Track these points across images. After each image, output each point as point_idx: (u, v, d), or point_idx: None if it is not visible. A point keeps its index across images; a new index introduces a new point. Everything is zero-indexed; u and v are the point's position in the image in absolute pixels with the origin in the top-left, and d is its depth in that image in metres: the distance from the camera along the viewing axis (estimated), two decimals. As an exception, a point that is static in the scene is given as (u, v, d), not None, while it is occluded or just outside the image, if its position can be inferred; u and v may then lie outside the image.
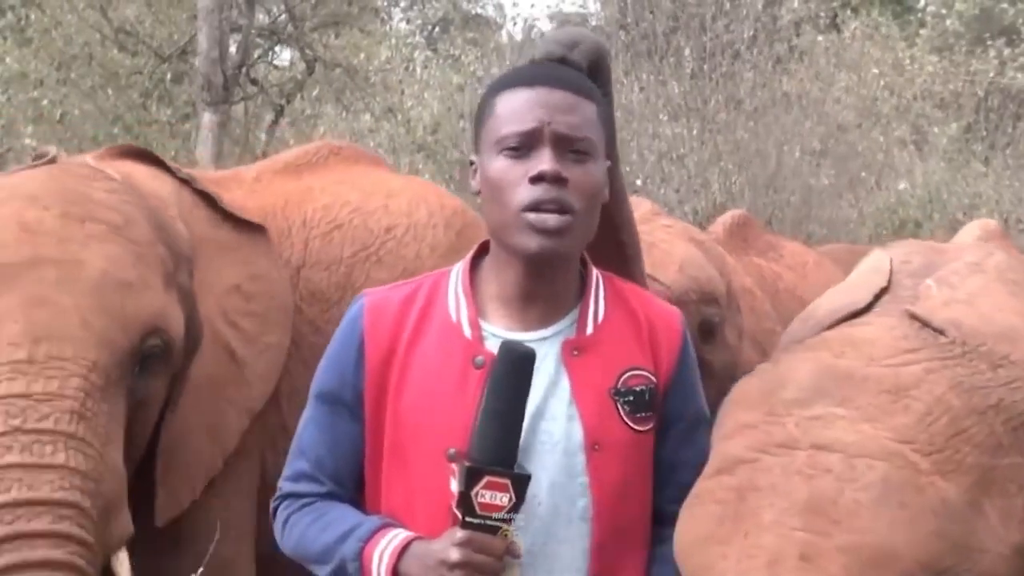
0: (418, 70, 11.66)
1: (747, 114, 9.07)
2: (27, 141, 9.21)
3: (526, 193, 1.72)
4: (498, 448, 1.67)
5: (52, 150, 2.51)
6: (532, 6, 19.43)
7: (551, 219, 1.72)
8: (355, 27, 11.83)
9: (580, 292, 1.86)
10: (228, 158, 9.19)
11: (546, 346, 1.79)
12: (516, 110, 1.76)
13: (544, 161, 1.72)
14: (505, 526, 1.66)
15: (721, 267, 3.34)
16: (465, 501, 1.65)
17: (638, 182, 8.67)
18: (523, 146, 1.74)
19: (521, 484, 1.66)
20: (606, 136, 1.82)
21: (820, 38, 10.63)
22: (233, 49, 9.65)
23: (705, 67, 9.25)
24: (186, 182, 2.71)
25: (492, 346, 1.77)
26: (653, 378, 1.82)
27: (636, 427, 1.80)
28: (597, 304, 1.85)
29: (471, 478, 1.65)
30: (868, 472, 1.62)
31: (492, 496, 1.65)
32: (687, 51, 9.32)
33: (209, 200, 2.71)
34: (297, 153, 3.29)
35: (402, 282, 1.95)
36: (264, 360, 2.71)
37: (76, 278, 2.16)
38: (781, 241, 4.54)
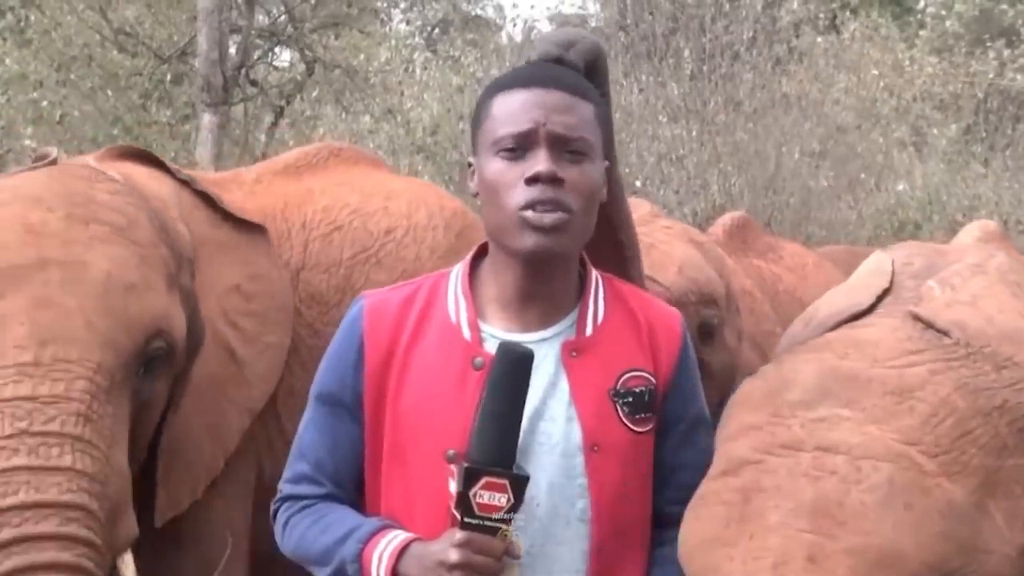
0: (418, 71, 11.67)
1: (746, 115, 9.08)
2: (27, 142, 9.21)
3: (523, 194, 1.73)
4: (496, 449, 1.67)
5: (53, 151, 2.51)
6: (532, 7, 19.42)
7: (547, 217, 1.71)
8: (355, 28, 11.83)
9: (580, 293, 1.86)
10: (228, 159, 9.18)
11: (545, 347, 1.79)
12: (512, 111, 1.76)
13: (540, 162, 1.72)
14: (504, 527, 1.66)
15: (720, 269, 3.34)
16: (463, 502, 1.65)
17: (637, 183, 8.68)
18: (519, 147, 1.74)
19: (519, 485, 1.66)
20: (603, 136, 1.82)
21: (819, 39, 10.64)
22: (233, 50, 9.64)
23: (704, 68, 9.26)
24: (186, 183, 2.71)
25: (491, 347, 1.76)
26: (653, 379, 1.82)
27: (635, 428, 1.80)
28: (597, 305, 1.85)
29: (469, 479, 1.65)
30: (874, 474, 1.62)
31: (490, 497, 1.65)
32: (686, 52, 9.34)
33: (209, 200, 2.71)
34: (297, 155, 3.28)
35: (401, 284, 1.95)
36: (264, 360, 2.71)
37: (81, 280, 2.16)
38: (781, 243, 4.53)
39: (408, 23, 18.58)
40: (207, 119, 8.68)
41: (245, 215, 2.78)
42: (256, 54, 10.89)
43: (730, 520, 1.67)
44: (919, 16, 15.19)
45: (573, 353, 1.80)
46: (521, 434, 1.70)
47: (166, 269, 2.34)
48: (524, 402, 1.69)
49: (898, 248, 2.25)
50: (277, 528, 1.91)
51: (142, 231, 2.32)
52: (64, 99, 9.93)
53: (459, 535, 1.65)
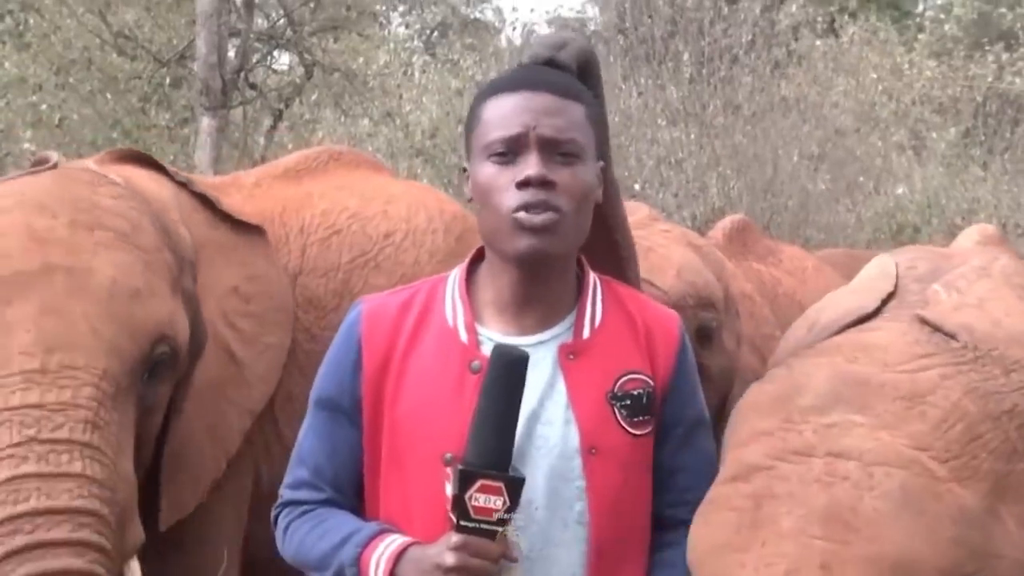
0: (416, 74, 11.67)
1: (745, 118, 9.09)
2: (26, 145, 9.20)
3: (514, 198, 1.73)
4: (492, 451, 1.66)
5: (53, 155, 2.50)
6: (531, 11, 19.45)
7: (538, 218, 1.71)
8: (354, 31, 11.82)
9: (577, 296, 1.86)
10: (227, 162, 9.18)
11: (542, 350, 1.79)
12: (502, 116, 1.76)
13: (531, 166, 1.72)
14: (500, 529, 1.66)
15: (719, 272, 3.34)
16: (459, 505, 1.65)
17: (636, 187, 8.69)
18: (510, 151, 1.75)
19: (515, 487, 1.66)
20: (596, 137, 1.82)
21: (818, 43, 10.65)
22: (232, 54, 9.63)
23: (703, 71, 9.27)
24: (184, 185, 2.71)
25: (488, 351, 1.76)
26: (651, 382, 1.82)
27: (634, 431, 1.79)
28: (594, 308, 1.85)
29: (464, 481, 1.64)
30: (886, 480, 1.62)
31: (486, 499, 1.65)
32: (685, 56, 9.35)
33: (207, 202, 2.71)
34: (297, 158, 3.28)
35: (400, 288, 1.95)
36: (264, 361, 2.70)
37: (86, 287, 2.16)
38: (780, 246, 4.53)
39: (407, 26, 18.60)
40: (206, 122, 8.67)
41: (243, 218, 2.78)
42: (255, 57, 10.89)
43: (741, 526, 1.66)
44: (918, 19, 15.22)
45: (570, 356, 1.80)
46: (518, 437, 1.70)
47: (169, 274, 2.34)
48: (519, 404, 1.69)
49: (901, 252, 2.25)
50: (278, 534, 1.91)
51: (146, 236, 2.32)
52: (63, 102, 9.92)
53: (455, 538, 1.65)
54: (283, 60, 12.90)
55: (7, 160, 9.22)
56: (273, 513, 1.93)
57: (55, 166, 2.44)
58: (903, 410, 1.70)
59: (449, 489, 1.69)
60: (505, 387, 1.68)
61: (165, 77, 10.45)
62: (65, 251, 2.19)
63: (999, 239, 2.50)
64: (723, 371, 3.17)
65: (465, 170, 1.85)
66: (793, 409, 1.75)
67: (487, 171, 1.76)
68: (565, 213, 1.73)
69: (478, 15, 20.20)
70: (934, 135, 11.22)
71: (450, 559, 1.65)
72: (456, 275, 1.88)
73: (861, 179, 9.65)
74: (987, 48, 12.31)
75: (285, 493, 1.91)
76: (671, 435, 1.85)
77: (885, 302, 2.00)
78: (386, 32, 15.62)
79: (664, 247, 3.19)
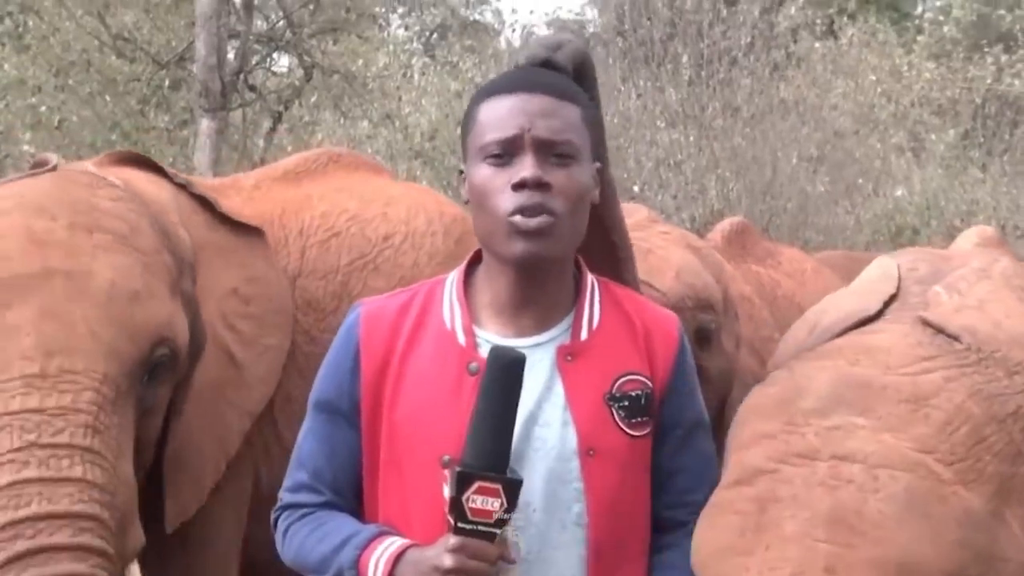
0: (416, 76, 11.69)
1: (744, 121, 9.11)
2: (25, 147, 9.20)
3: (510, 200, 1.72)
4: (489, 453, 1.66)
5: (52, 158, 2.50)
6: (531, 13, 19.48)
7: (533, 221, 1.71)
8: (353, 33, 11.83)
9: (575, 297, 1.85)
10: (226, 164, 9.19)
11: (540, 352, 1.79)
12: (497, 117, 1.76)
13: (526, 167, 1.72)
14: (498, 531, 1.65)
15: (718, 274, 3.34)
16: (457, 507, 1.64)
17: (635, 188, 8.70)
18: (505, 153, 1.74)
19: (512, 489, 1.65)
20: (592, 138, 1.81)
21: (817, 45, 10.67)
22: (231, 56, 9.64)
23: (702, 74, 9.29)
24: (183, 187, 2.71)
25: (486, 353, 1.75)
26: (649, 383, 1.81)
27: (632, 432, 1.79)
28: (592, 309, 1.84)
29: (462, 483, 1.64)
30: (891, 483, 1.61)
31: (483, 501, 1.64)
32: (684, 58, 9.36)
33: (206, 204, 2.71)
34: (297, 160, 3.27)
35: (398, 291, 1.94)
36: (264, 362, 2.70)
37: (86, 290, 2.15)
38: (779, 248, 4.53)
39: (406, 28, 18.59)
40: (205, 124, 8.67)
41: (242, 220, 2.78)
42: (254, 59, 10.90)
43: (745, 529, 1.65)
44: (917, 21, 15.23)
45: (568, 357, 1.80)
46: (516, 439, 1.69)
47: (169, 276, 2.34)
48: (516, 406, 1.69)
49: (902, 253, 2.24)
50: (277, 537, 1.90)
51: (145, 238, 2.32)
52: (62, 104, 9.93)
53: (453, 540, 1.65)
54: (282, 62, 12.92)
55: (6, 162, 9.23)
56: (273, 516, 1.92)
57: (54, 168, 2.44)
58: (907, 413, 1.69)
59: (447, 491, 1.69)
60: (502, 389, 1.68)
61: (164, 79, 10.46)
62: (64, 254, 2.18)
63: (998, 241, 2.50)
64: (722, 373, 3.17)
65: (462, 172, 1.85)
66: (795, 412, 1.75)
67: (483, 173, 1.76)
68: (560, 215, 1.73)
69: (477, 17, 20.22)
70: (933, 137, 11.24)
71: (448, 561, 1.64)
72: (454, 277, 1.88)
73: (860, 181, 9.66)
74: (986, 50, 12.33)
75: (284, 496, 1.91)
76: (670, 437, 1.84)
77: (887, 304, 1.99)
78: (385, 34, 15.61)
79: (663, 249, 3.19)
